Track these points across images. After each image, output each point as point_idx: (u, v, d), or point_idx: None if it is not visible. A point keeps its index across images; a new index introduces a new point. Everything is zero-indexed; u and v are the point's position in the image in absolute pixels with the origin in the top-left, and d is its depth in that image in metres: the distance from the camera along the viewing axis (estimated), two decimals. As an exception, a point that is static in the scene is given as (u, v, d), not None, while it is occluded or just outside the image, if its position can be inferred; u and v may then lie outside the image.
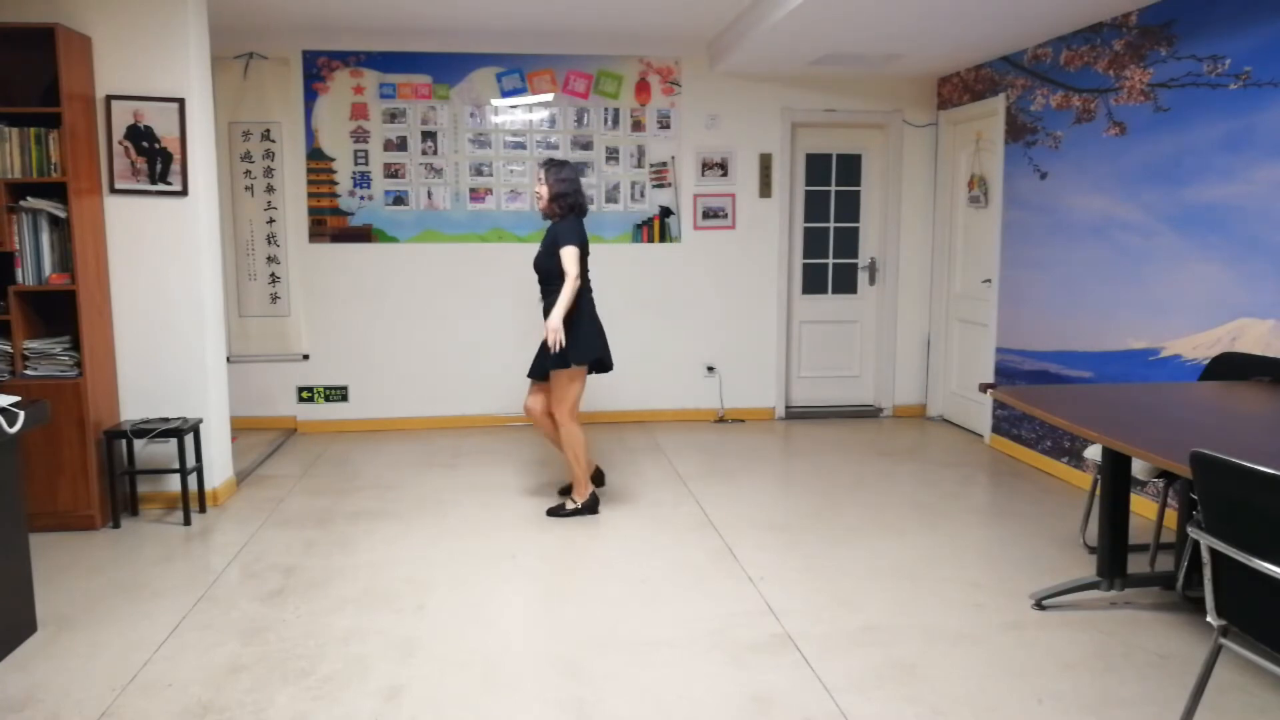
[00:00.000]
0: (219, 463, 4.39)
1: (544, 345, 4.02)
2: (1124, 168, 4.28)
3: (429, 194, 5.83)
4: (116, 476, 4.03)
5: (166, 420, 4.13)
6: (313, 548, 3.74)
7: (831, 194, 6.30)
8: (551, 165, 4.11)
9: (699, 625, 3.00)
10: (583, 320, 4.04)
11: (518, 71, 5.81)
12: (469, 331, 5.96)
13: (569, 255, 3.94)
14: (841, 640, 2.89)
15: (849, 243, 6.35)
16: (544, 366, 4.04)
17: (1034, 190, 5.04)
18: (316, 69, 5.66)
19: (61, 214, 3.83)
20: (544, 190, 4.07)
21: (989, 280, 5.56)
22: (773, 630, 2.96)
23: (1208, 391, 3.16)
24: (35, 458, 3.85)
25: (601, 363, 4.17)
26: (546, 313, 4.04)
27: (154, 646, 2.86)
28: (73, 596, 3.25)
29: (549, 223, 4.14)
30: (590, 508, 4.18)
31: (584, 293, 4.07)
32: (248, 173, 5.68)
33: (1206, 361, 3.69)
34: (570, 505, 4.18)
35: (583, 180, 5.89)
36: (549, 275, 4.06)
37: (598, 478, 4.45)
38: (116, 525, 4.01)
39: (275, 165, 5.68)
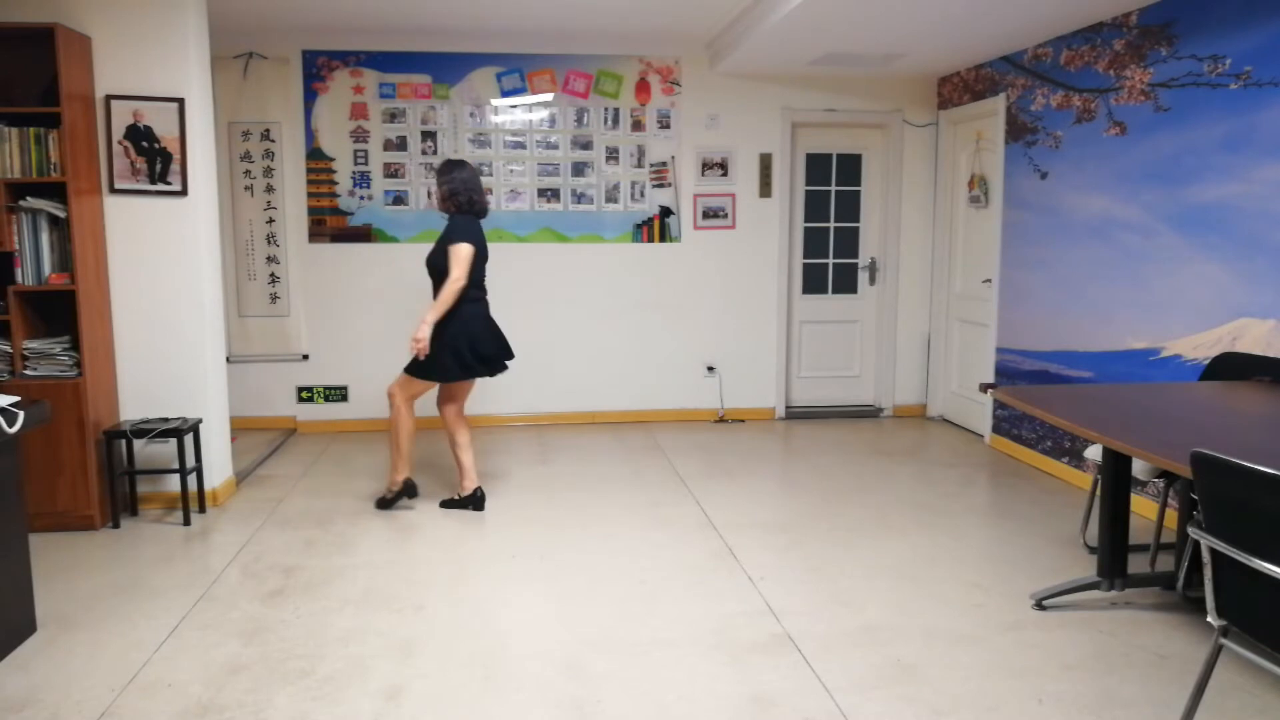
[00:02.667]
0: (219, 463, 4.39)
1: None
2: (1124, 167, 4.28)
3: (429, 194, 5.83)
4: (116, 476, 4.03)
5: (166, 420, 4.13)
6: (312, 548, 3.74)
7: (832, 194, 6.29)
8: (445, 165, 4.08)
9: (699, 625, 3.00)
10: (459, 334, 3.93)
11: (517, 71, 5.81)
12: (469, 331, 5.95)
13: (459, 253, 3.87)
14: (841, 640, 2.89)
15: (849, 243, 6.35)
16: (410, 365, 4.01)
17: (1034, 190, 5.03)
18: (316, 69, 5.65)
19: (61, 214, 3.83)
20: (436, 190, 4.09)
21: (989, 280, 5.56)
22: (773, 630, 2.96)
23: (1208, 391, 3.16)
24: (35, 458, 3.85)
25: (490, 365, 4.06)
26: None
27: (154, 646, 2.86)
28: (72, 596, 3.24)
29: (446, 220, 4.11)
30: (408, 492, 4.21)
31: (471, 301, 3.97)
32: (247, 172, 5.68)
33: (1207, 361, 3.69)
34: (388, 495, 4.20)
35: (583, 179, 5.92)
36: (441, 275, 3.96)
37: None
38: (116, 525, 4.01)
39: (275, 165, 5.68)
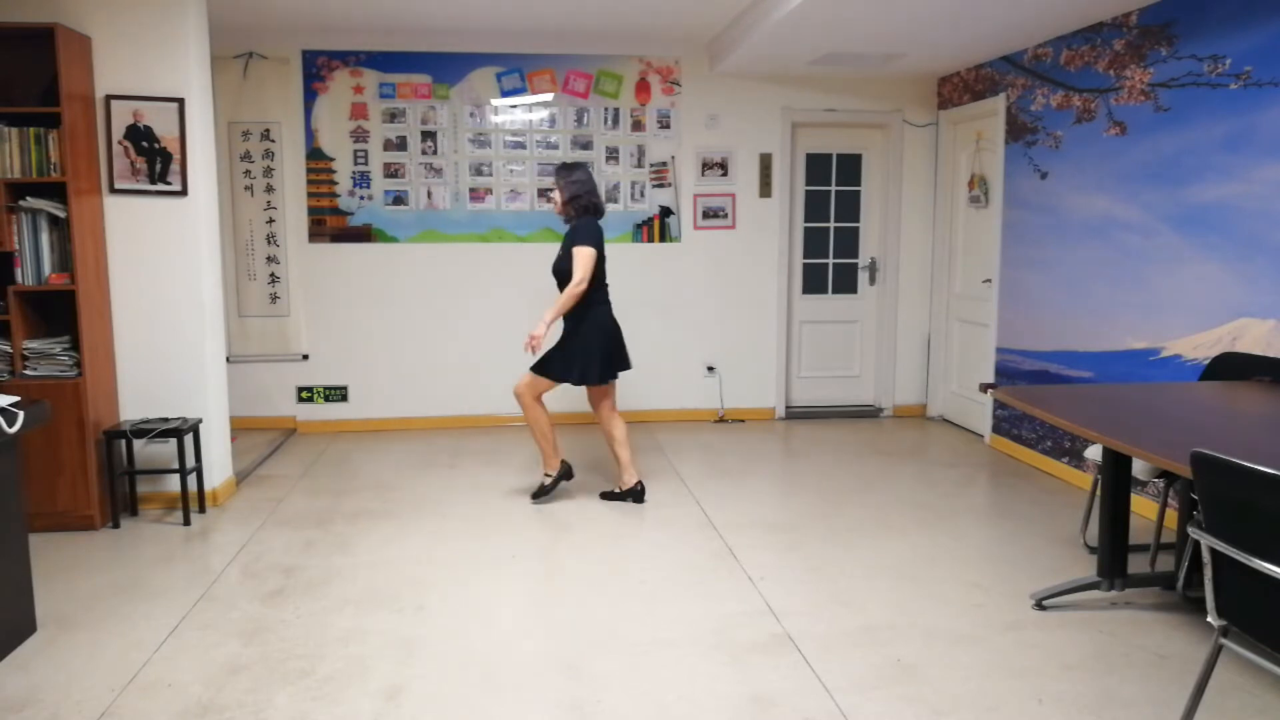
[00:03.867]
0: (219, 463, 4.39)
1: (559, 348, 4.13)
2: (1124, 167, 4.28)
3: (429, 194, 5.83)
4: (116, 476, 4.03)
5: (166, 420, 4.13)
6: (312, 548, 3.74)
7: (832, 194, 6.29)
8: (563, 168, 4.18)
9: (699, 625, 3.00)
10: (588, 335, 4.06)
11: (517, 71, 5.81)
12: (469, 331, 5.96)
13: (582, 256, 3.99)
14: (842, 640, 2.89)
15: (849, 243, 6.35)
16: (557, 371, 4.11)
17: (1034, 190, 5.03)
18: (316, 69, 5.65)
19: (61, 214, 3.83)
20: (558, 194, 4.15)
21: (989, 280, 5.56)
22: (773, 630, 2.96)
23: (1208, 391, 3.16)
24: (35, 458, 3.85)
25: (611, 368, 4.18)
26: (569, 319, 4.13)
27: (154, 646, 2.86)
28: (72, 596, 3.24)
29: (566, 226, 4.21)
30: (565, 475, 4.35)
31: (595, 303, 4.09)
32: (247, 173, 5.68)
33: (1207, 361, 3.69)
34: (546, 480, 4.31)
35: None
36: (567, 278, 4.09)
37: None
38: (116, 525, 4.01)
39: (275, 165, 5.68)
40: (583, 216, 4.13)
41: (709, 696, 2.55)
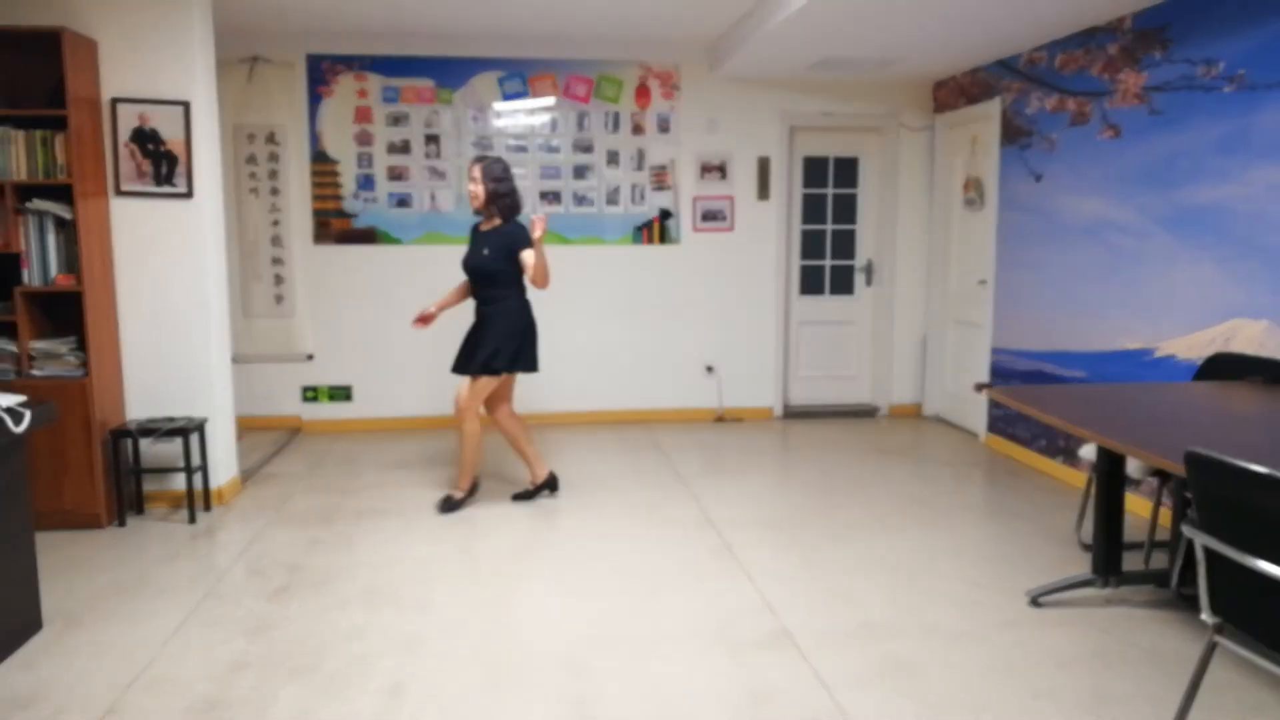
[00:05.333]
0: (224, 462, 4.43)
1: (471, 343, 4.14)
2: (1118, 170, 4.32)
3: (432, 196, 5.87)
4: (122, 475, 4.06)
5: (172, 420, 4.16)
6: (317, 546, 3.78)
7: (829, 196, 6.33)
8: (493, 162, 4.08)
9: (699, 622, 3.03)
10: (526, 330, 4.13)
11: (519, 76, 5.85)
12: (470, 333, 5.98)
13: (534, 256, 3.98)
14: (839, 637, 2.92)
15: (846, 244, 6.39)
16: (468, 366, 4.12)
17: (1029, 192, 5.07)
18: (321, 72, 5.69)
19: (67, 216, 3.86)
20: (479, 189, 4.06)
21: (984, 281, 5.60)
22: (772, 627, 3.00)
23: (1202, 391, 3.20)
24: (41, 457, 3.88)
25: (527, 365, 4.21)
26: (484, 318, 4.12)
27: (159, 644, 2.89)
28: (78, 594, 3.28)
29: (478, 219, 4.20)
30: (470, 493, 4.35)
31: (519, 295, 4.14)
32: (252, 175, 5.71)
33: (1200, 362, 3.73)
34: (456, 496, 4.29)
35: (584, 182, 5.96)
36: (494, 279, 4.08)
37: (552, 482, 4.44)
38: (122, 524, 4.04)
39: (280, 168, 5.71)
40: (506, 215, 4.09)
41: (709, 692, 2.58)
